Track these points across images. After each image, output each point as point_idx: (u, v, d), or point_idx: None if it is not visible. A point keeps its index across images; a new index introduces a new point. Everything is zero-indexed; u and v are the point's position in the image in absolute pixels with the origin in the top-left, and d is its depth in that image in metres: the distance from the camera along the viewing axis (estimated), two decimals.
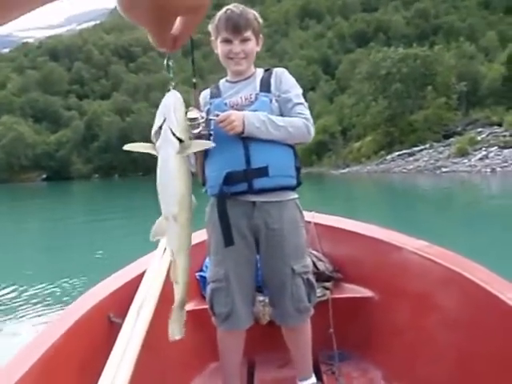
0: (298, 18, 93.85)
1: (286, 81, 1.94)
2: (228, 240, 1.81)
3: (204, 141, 1.39)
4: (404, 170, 30.84)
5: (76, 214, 18.66)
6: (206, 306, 1.97)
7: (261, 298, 2.19)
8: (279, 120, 1.83)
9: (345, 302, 2.36)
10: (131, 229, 11.62)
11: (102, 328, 1.65)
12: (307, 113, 1.90)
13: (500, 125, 30.42)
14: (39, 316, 5.01)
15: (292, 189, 1.90)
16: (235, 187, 1.80)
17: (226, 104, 1.89)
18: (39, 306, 5.38)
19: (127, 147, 1.05)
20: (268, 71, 1.97)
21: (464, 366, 1.66)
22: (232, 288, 1.84)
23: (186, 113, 1.22)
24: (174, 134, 0.96)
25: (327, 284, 2.43)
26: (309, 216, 2.87)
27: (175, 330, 1.25)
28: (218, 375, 2.08)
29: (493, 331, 1.55)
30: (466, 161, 27.51)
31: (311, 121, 1.90)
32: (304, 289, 1.88)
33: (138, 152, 1.07)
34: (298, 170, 1.89)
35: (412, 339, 2.04)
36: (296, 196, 1.93)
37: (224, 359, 1.98)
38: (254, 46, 1.91)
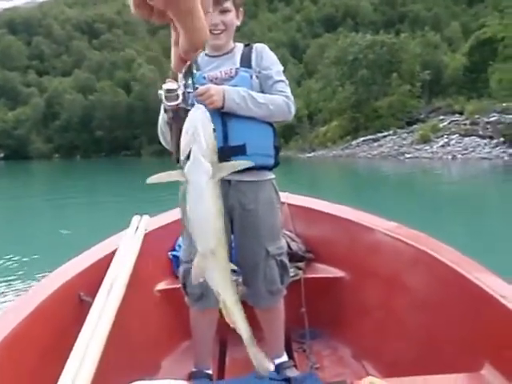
0: (267, 0, 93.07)
1: (266, 57, 1.89)
2: None
3: (236, 161, 1.27)
4: (368, 156, 31.38)
5: (37, 193, 18.11)
6: (178, 286, 1.95)
7: (233, 278, 2.17)
8: (260, 97, 1.78)
9: (316, 281, 2.38)
10: (94, 207, 11.40)
11: (71, 307, 1.61)
12: (288, 91, 1.86)
13: (461, 113, 31.24)
14: (1, 295, 4.85)
15: (269, 169, 1.87)
16: None
17: (204, 78, 1.83)
18: (1, 284, 5.21)
19: (153, 180, 0.92)
20: (248, 46, 1.92)
21: (430, 345, 1.69)
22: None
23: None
24: (205, 160, 0.87)
25: (300, 264, 2.45)
26: (282, 196, 2.85)
27: (260, 366, 1.17)
28: (189, 354, 2.08)
29: (460, 311, 1.57)
30: (428, 147, 28.23)
31: (292, 99, 1.86)
32: (277, 270, 1.87)
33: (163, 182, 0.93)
34: (276, 149, 1.85)
35: (381, 318, 2.07)
36: (273, 176, 1.90)
37: (196, 338, 1.97)
38: (233, 18, 1.85)
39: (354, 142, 35.49)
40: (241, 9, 1.89)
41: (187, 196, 0.88)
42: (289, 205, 2.71)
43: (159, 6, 0.42)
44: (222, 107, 1.72)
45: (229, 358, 2.24)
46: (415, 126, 32.78)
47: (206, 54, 1.92)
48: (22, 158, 62.08)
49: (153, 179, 0.92)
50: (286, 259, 1.91)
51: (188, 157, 0.87)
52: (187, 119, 0.91)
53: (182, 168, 0.89)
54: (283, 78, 1.88)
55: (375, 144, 33.27)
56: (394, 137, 32.99)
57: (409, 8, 74.92)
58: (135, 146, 62.17)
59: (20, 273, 5.74)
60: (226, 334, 2.24)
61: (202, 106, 0.92)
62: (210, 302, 1.82)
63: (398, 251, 2.00)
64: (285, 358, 2.07)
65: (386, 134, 33.99)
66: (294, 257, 2.41)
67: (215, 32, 1.81)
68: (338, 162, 30.67)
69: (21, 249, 7.24)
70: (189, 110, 1.73)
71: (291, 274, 2.25)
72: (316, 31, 77.39)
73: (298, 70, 62.04)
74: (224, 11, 1.81)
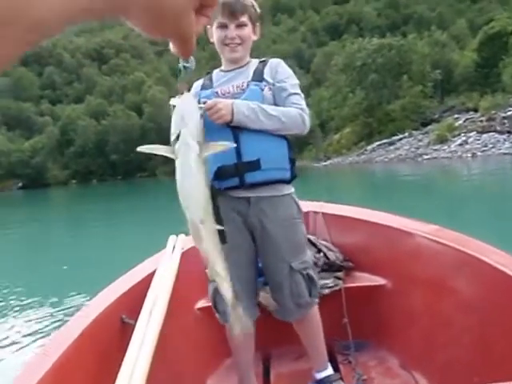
0: (270, 14, 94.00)
1: (282, 71, 1.87)
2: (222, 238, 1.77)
3: (221, 142, 1.26)
4: (386, 160, 31.25)
5: (55, 220, 18.26)
6: None
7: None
8: (271, 109, 1.75)
9: (358, 290, 2.33)
10: (115, 233, 11.41)
11: (115, 330, 1.65)
12: (303, 103, 1.83)
13: (476, 110, 31.03)
14: (29, 322, 4.81)
15: (287, 182, 1.83)
16: (226, 182, 1.74)
17: (217, 93, 1.83)
18: (29, 313, 5.17)
19: (143, 148, 1.03)
20: (263, 62, 1.90)
21: (482, 350, 1.62)
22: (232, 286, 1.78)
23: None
24: (192, 140, 0.96)
25: (339, 274, 2.42)
26: (317, 206, 2.84)
27: (236, 326, 1.27)
28: (233, 371, 2.07)
29: (510, 312, 1.52)
30: (445, 147, 28.05)
31: (307, 111, 1.82)
32: (304, 284, 1.84)
33: (153, 154, 1.06)
34: (292, 162, 1.82)
35: (428, 325, 2.00)
36: (291, 190, 1.86)
37: (236, 355, 1.97)
38: (250, 33, 1.85)
39: (369, 147, 35.38)
40: (257, 24, 1.89)
41: (176, 172, 0.97)
42: (323, 214, 2.71)
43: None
44: (231, 121, 1.70)
45: (273, 374, 2.23)
46: (430, 127, 32.62)
47: (220, 70, 1.93)
48: (40, 186, 63.08)
49: (143, 148, 1.04)
50: (312, 272, 1.88)
51: (177, 138, 0.97)
52: (177, 106, 0.99)
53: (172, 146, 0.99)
54: (298, 91, 1.86)
55: (391, 147, 33.17)
56: (410, 139, 32.85)
57: (412, 9, 75.00)
58: (150, 167, 62.77)
59: (36, 299, 5.70)
60: (269, 349, 2.25)
61: (190, 94, 1.01)
62: None
63: (441, 255, 1.95)
64: (330, 370, 2.02)
65: (401, 136, 33.89)
66: (332, 267, 2.40)
67: (231, 45, 1.83)
68: (355, 168, 30.54)
69: (47, 277, 7.25)
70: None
71: (330, 285, 2.29)
72: (321, 40, 77.80)
73: (305, 80, 62.36)
74: (240, 25, 1.82)
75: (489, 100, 30.61)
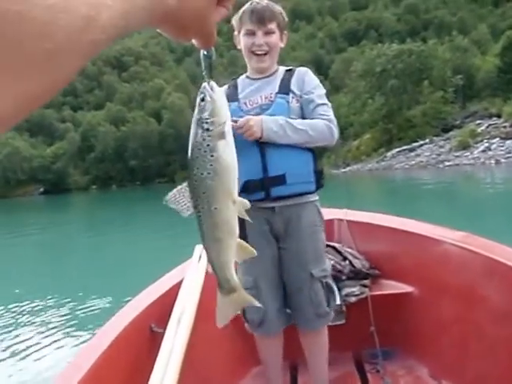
0: (289, 21, 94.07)
1: (308, 81, 1.86)
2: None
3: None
4: (406, 166, 30.88)
5: (76, 226, 18.47)
6: None
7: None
8: (299, 123, 1.76)
9: (384, 298, 2.30)
10: (136, 238, 11.49)
11: (144, 339, 1.68)
12: (330, 114, 1.83)
13: (499, 116, 30.50)
14: (51, 328, 4.85)
15: (311, 193, 1.85)
16: (253, 196, 1.76)
17: (245, 103, 1.84)
18: (51, 319, 5.21)
19: None
20: (290, 71, 1.90)
21: None
22: (262, 294, 1.81)
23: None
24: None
25: (365, 281, 2.40)
26: (341, 213, 2.82)
27: (220, 317, 1.24)
28: (261, 380, 2.11)
29: None
30: (468, 154, 27.59)
31: (335, 122, 1.82)
32: (323, 293, 1.85)
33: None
34: (317, 173, 1.83)
35: (459, 334, 1.96)
36: (316, 198, 1.87)
37: (265, 363, 1.98)
38: (277, 40, 1.84)
39: (388, 154, 35.03)
40: (285, 31, 1.89)
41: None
42: (348, 222, 2.69)
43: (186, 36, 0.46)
44: (261, 137, 1.73)
45: (300, 383, 2.21)
46: (452, 133, 32.18)
47: (246, 77, 1.93)
48: (61, 191, 64.06)
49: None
50: (331, 281, 1.90)
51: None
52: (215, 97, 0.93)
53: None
54: (325, 101, 1.85)
55: (412, 154, 32.76)
56: (431, 145, 32.41)
57: (433, 14, 74.34)
58: (169, 173, 63.22)
59: (60, 305, 5.76)
60: (295, 359, 2.22)
61: (214, 84, 0.93)
62: (270, 327, 1.86)
63: (470, 262, 1.92)
64: None
65: (421, 142, 33.48)
66: (358, 274, 2.39)
67: (259, 53, 1.82)
68: (375, 175, 30.24)
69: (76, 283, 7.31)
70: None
71: (357, 293, 2.28)
72: (340, 46, 77.64)
73: (324, 87, 61.78)
74: (268, 33, 1.81)
75: None
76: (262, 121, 1.72)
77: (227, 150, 0.93)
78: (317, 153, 1.87)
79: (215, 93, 0.91)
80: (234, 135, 1.73)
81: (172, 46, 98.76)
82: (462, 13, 70.69)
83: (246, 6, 1.84)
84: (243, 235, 1.74)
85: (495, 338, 1.74)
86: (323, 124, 1.78)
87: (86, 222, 20.60)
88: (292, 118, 1.78)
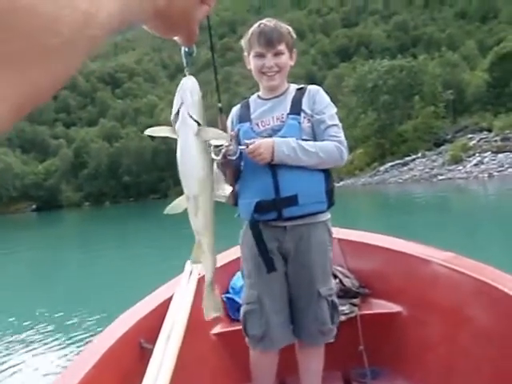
0: None
1: (320, 100, 1.87)
2: (270, 267, 1.79)
3: (221, 132, 1.27)
4: (399, 180, 31.00)
5: (68, 243, 18.28)
6: (234, 328, 2.05)
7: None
8: (310, 145, 1.78)
9: (373, 317, 2.31)
10: (128, 255, 11.37)
11: (133, 354, 1.67)
12: (341, 135, 1.84)
13: (490, 130, 30.85)
14: (43, 345, 4.74)
15: (323, 212, 1.85)
16: (265, 215, 1.79)
17: (255, 128, 1.85)
18: (42, 335, 5.10)
19: (148, 132, 1.07)
20: (301, 90, 1.91)
21: (502, 381, 1.60)
22: (265, 309, 1.83)
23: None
24: (191, 117, 0.98)
25: (354, 300, 2.42)
26: (333, 231, 2.75)
27: (209, 309, 1.31)
28: None
29: None
30: (461, 167, 27.80)
31: (345, 143, 1.84)
32: (328, 311, 1.86)
33: (158, 136, 1.10)
34: (328, 193, 1.83)
35: (445, 353, 1.97)
36: (327, 217, 1.88)
37: (257, 379, 1.95)
38: (287, 60, 1.87)
39: (381, 168, 35.23)
40: (294, 50, 1.92)
41: (177, 149, 1.01)
42: (339, 240, 2.67)
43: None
44: (272, 160, 1.75)
45: None
46: (443, 147, 32.47)
47: (258, 96, 1.95)
48: (54, 207, 63.62)
49: (149, 131, 1.07)
50: (336, 299, 1.91)
51: (177, 115, 1.00)
52: (179, 86, 1.00)
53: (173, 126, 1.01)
54: (336, 121, 1.86)
55: (405, 168, 32.97)
56: (424, 159, 32.64)
57: (422, 31, 75.61)
58: (162, 189, 63.08)
59: (51, 321, 5.65)
60: (285, 376, 2.22)
61: (192, 77, 0.99)
62: (271, 344, 1.85)
63: (458, 283, 1.94)
64: None
65: (414, 157, 33.72)
66: (347, 293, 2.41)
67: (269, 74, 1.84)
68: (369, 189, 30.34)
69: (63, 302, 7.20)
70: (241, 160, 1.75)
71: (346, 311, 2.25)
72: (331, 62, 78.59)
73: None
74: (278, 54, 1.83)
75: (503, 119, 30.43)
76: (273, 143, 1.74)
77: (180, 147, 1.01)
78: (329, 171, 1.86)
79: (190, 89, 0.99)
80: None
81: (165, 62, 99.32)
82: (450, 29, 72.01)
83: (254, 27, 1.85)
84: (265, 253, 1.77)
85: (481, 358, 1.76)
86: (333, 146, 1.79)
87: (79, 238, 20.42)
88: (304, 139, 1.79)
